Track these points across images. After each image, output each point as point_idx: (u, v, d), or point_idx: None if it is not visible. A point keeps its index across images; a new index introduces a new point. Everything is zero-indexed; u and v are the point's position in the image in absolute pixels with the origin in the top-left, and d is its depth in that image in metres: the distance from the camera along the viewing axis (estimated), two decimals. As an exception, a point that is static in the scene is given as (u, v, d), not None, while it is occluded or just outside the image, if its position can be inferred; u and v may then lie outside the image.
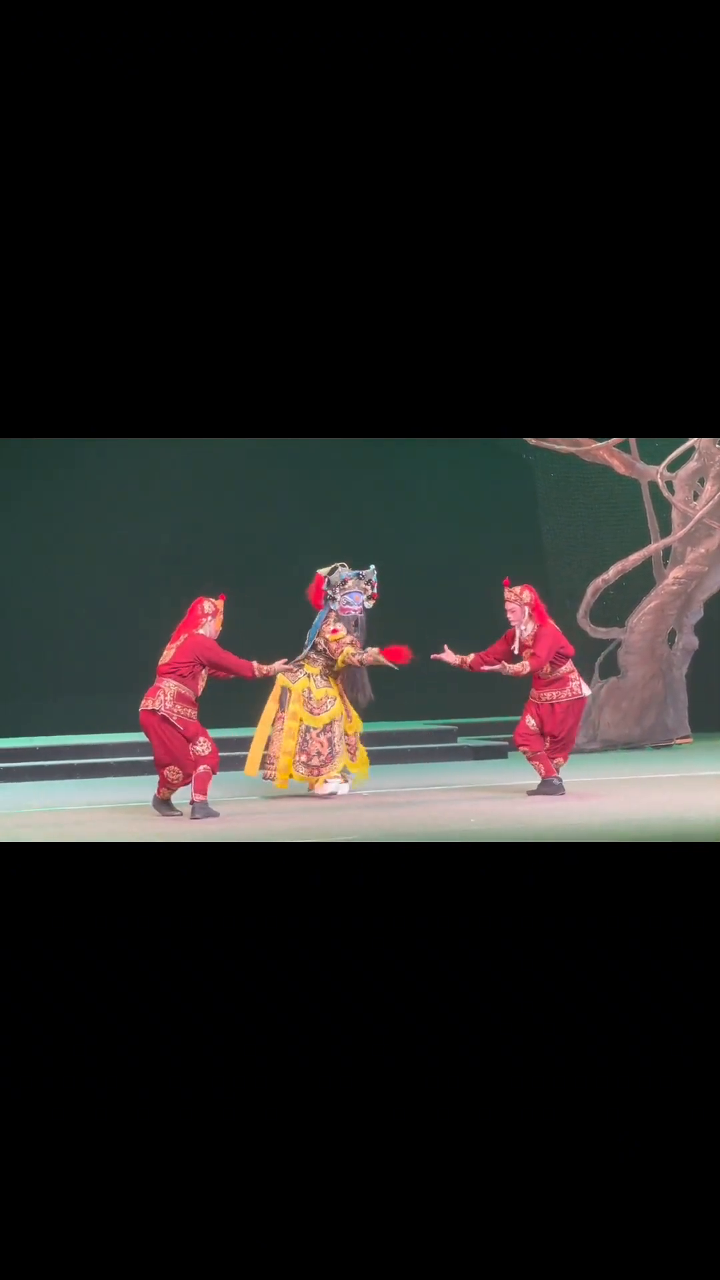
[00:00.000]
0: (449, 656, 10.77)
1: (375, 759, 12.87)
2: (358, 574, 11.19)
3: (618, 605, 14.24)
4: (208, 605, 10.03)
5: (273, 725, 11.05)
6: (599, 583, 13.95)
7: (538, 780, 10.60)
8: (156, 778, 10.00)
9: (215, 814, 9.75)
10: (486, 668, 10.71)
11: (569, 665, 10.66)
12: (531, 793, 10.58)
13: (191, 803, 9.83)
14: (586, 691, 10.82)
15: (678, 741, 14.05)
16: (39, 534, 14.99)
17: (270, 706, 11.09)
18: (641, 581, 14.23)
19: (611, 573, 13.95)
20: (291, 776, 10.98)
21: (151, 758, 10.11)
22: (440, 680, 12.07)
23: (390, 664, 10.88)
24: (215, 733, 10.02)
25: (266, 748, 11.05)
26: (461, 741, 13.67)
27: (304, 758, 10.97)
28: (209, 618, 10.00)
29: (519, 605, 10.64)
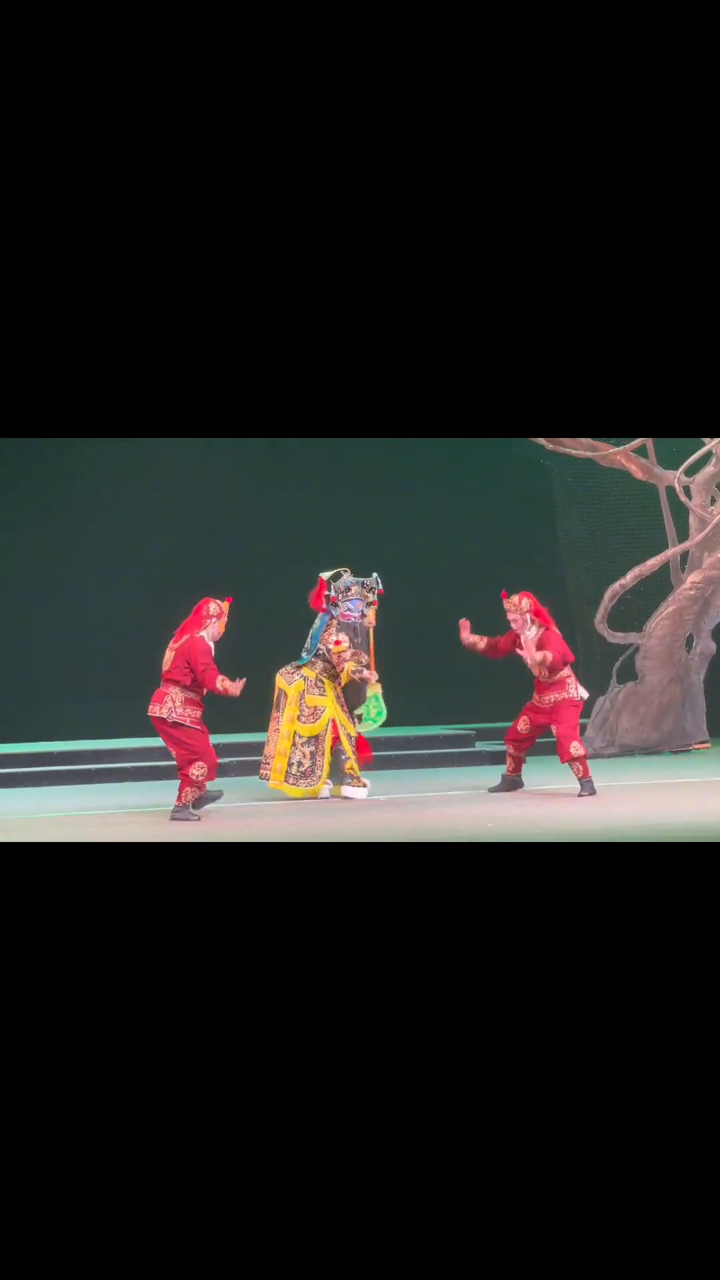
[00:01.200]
0: (467, 633, 11.06)
1: (393, 763, 12.90)
2: (360, 581, 11.23)
3: (635, 610, 14.22)
4: (213, 606, 10.11)
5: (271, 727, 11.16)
6: (616, 588, 13.93)
7: (574, 784, 10.85)
8: (175, 781, 10.06)
9: (196, 818, 9.87)
10: (496, 653, 11.20)
11: (567, 670, 11.04)
12: (493, 789, 11.16)
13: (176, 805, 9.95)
14: (584, 694, 11.15)
15: (696, 746, 14.02)
16: (58, 539, 15.00)
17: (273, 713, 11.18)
18: (659, 586, 14.20)
19: (629, 578, 13.93)
20: (280, 784, 11.00)
21: (171, 762, 10.18)
22: (458, 685, 12.09)
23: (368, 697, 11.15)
24: (216, 738, 10.12)
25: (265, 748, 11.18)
26: (480, 746, 13.66)
27: (285, 765, 10.98)
28: (213, 619, 10.07)
29: (519, 614, 10.98)
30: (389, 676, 11.53)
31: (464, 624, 11.17)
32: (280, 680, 11.16)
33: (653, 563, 13.99)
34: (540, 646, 10.86)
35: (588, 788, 10.80)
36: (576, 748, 10.91)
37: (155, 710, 9.98)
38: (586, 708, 14.50)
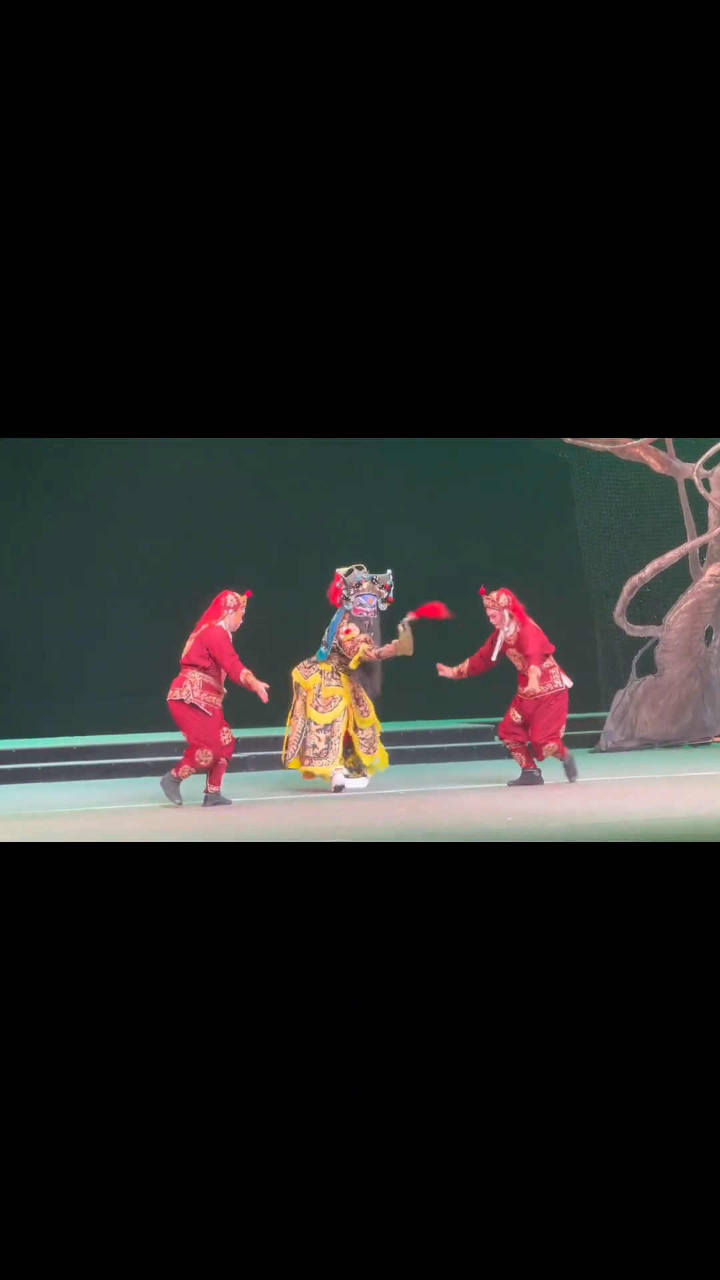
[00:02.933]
0: (446, 671, 11.19)
1: (412, 757, 12.89)
2: (373, 578, 11.29)
3: (654, 603, 14.20)
4: (231, 598, 10.30)
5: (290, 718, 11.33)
6: (635, 581, 13.90)
7: (588, 779, 10.84)
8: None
9: (228, 802, 10.08)
10: (483, 669, 11.25)
11: (550, 661, 11.11)
12: (512, 783, 11.12)
13: (206, 792, 10.14)
14: (567, 683, 11.20)
15: (715, 739, 13.99)
16: (74, 536, 15.01)
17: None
18: (678, 579, 14.18)
19: (648, 570, 13.90)
20: (296, 765, 11.21)
21: (182, 751, 10.29)
22: (477, 679, 12.08)
23: (405, 645, 11.14)
24: (235, 731, 10.26)
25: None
26: (498, 740, 13.62)
27: (300, 748, 11.13)
28: (230, 610, 10.27)
29: (498, 610, 11.07)
30: (410, 670, 11.53)
31: (440, 668, 11.28)
32: (297, 674, 11.30)
33: (672, 555, 13.96)
34: (519, 642, 10.98)
35: (571, 770, 11.16)
36: (552, 748, 11.12)
37: (174, 694, 10.18)
38: (606, 701, 14.49)
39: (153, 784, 10.70)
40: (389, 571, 11.39)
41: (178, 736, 10.70)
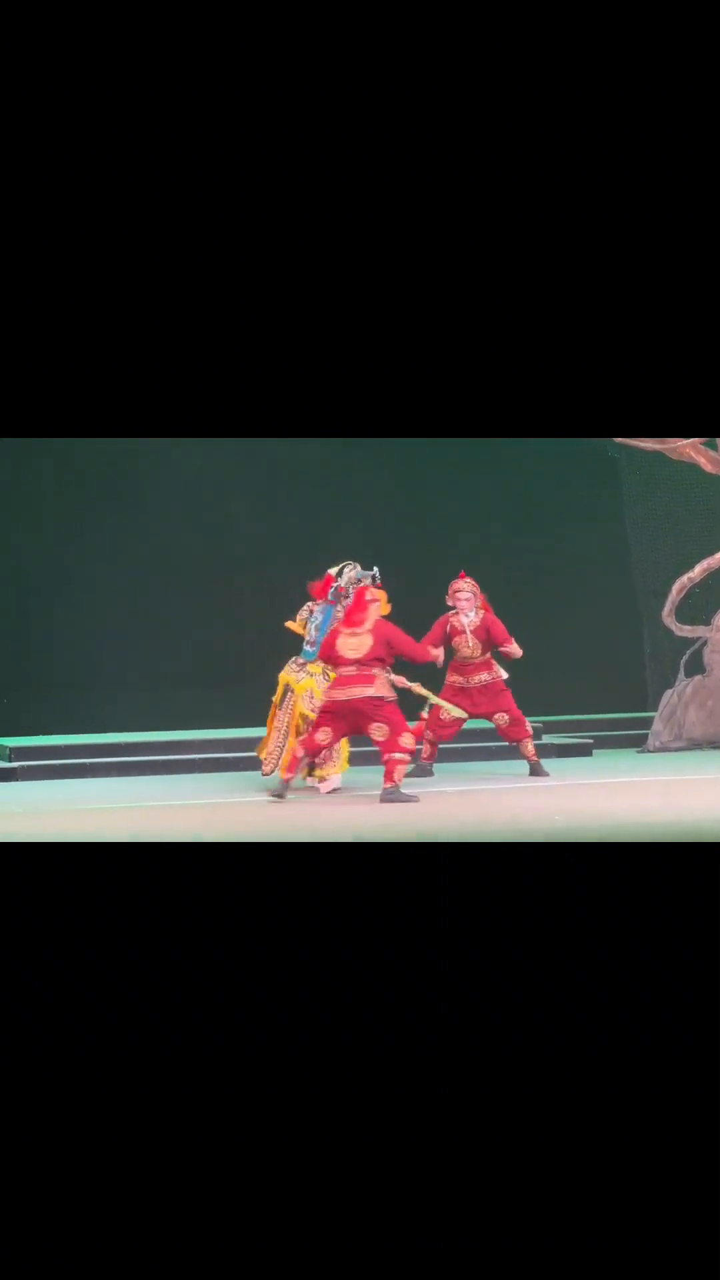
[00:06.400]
0: (415, 687, 10.71)
1: (459, 755, 12.83)
2: (359, 577, 11.10)
3: (703, 603, 14.13)
4: (370, 593, 10.52)
5: (272, 724, 11.09)
6: (684, 581, 13.84)
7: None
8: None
9: (415, 799, 10.04)
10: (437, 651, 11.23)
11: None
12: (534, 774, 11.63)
13: (384, 786, 10.11)
14: (504, 673, 11.63)
15: (764, 741, 13.91)
16: (122, 530, 15.02)
17: (273, 709, 11.13)
18: (728, 579, 14.11)
19: (697, 571, 13.83)
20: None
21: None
22: (524, 676, 12.06)
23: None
24: (220, 732, 10.25)
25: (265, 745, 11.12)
26: (546, 739, 13.59)
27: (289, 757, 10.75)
28: (377, 602, 10.49)
29: (473, 594, 11.49)
30: (441, 671, 11.55)
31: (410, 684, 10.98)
32: (287, 676, 11.11)
33: (721, 556, 13.89)
34: (485, 628, 11.41)
35: (538, 770, 11.42)
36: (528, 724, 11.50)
37: (363, 691, 10.18)
38: (654, 701, 14.44)
39: (202, 779, 10.64)
40: (375, 569, 11.21)
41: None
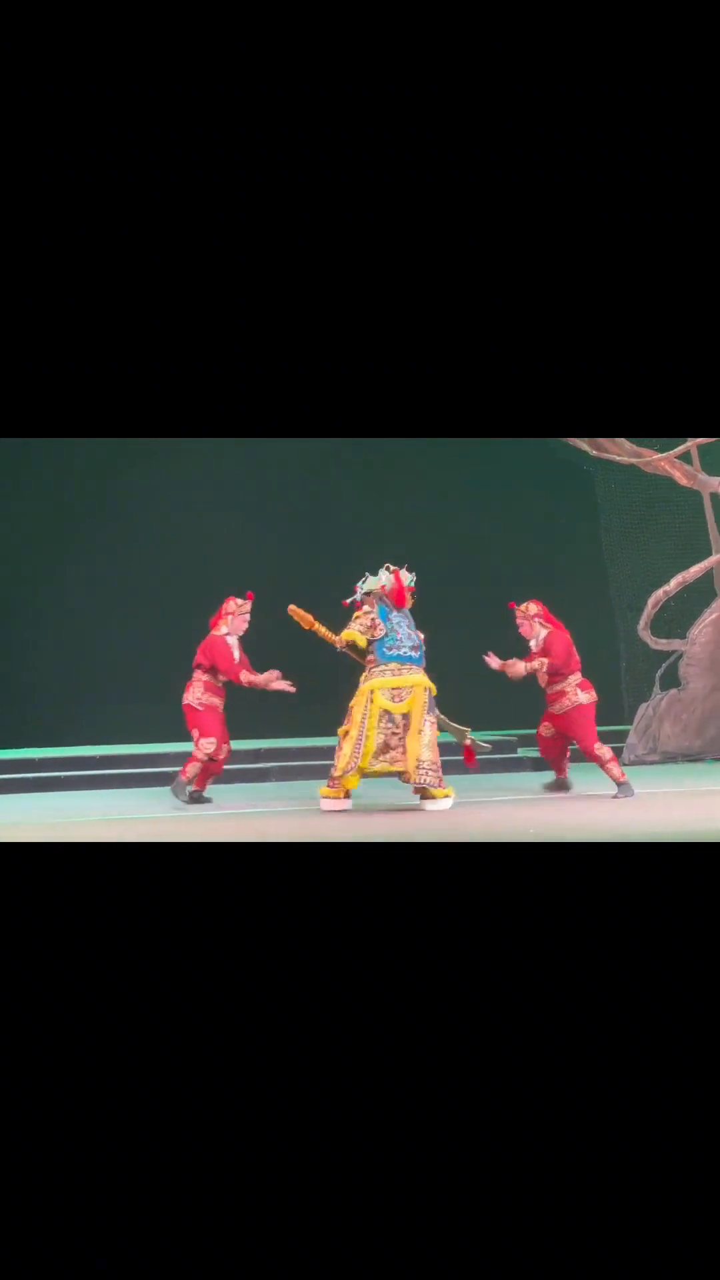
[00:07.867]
0: (494, 660, 10.91)
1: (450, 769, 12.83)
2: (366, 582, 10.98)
3: (678, 617, 14.17)
4: (232, 604, 10.60)
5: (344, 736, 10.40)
6: (660, 594, 13.88)
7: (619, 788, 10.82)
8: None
9: (185, 800, 10.32)
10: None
11: (576, 676, 11.09)
12: (546, 786, 11.45)
13: (180, 783, 10.40)
14: (590, 696, 11.11)
15: (739, 754, 13.95)
16: (102, 540, 15.02)
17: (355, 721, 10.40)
18: (702, 593, 14.14)
19: (672, 584, 13.87)
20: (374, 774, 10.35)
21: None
22: (499, 692, 12.07)
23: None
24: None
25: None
26: (521, 753, 13.61)
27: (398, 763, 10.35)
28: (231, 616, 10.57)
29: (527, 620, 11.15)
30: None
31: (489, 658, 10.98)
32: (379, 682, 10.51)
33: (696, 569, 13.92)
34: (545, 648, 11.02)
35: (625, 791, 10.73)
36: (602, 750, 10.88)
37: (185, 697, 10.61)
38: (629, 714, 14.46)
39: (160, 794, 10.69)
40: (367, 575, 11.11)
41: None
